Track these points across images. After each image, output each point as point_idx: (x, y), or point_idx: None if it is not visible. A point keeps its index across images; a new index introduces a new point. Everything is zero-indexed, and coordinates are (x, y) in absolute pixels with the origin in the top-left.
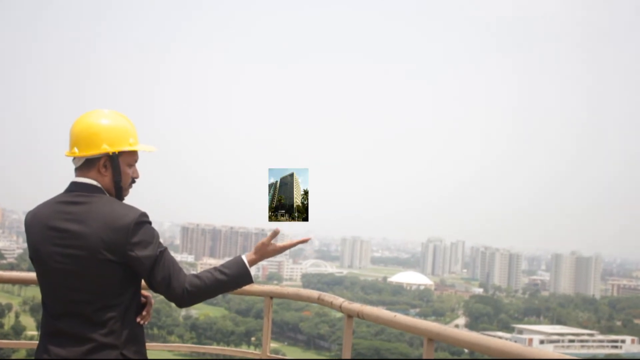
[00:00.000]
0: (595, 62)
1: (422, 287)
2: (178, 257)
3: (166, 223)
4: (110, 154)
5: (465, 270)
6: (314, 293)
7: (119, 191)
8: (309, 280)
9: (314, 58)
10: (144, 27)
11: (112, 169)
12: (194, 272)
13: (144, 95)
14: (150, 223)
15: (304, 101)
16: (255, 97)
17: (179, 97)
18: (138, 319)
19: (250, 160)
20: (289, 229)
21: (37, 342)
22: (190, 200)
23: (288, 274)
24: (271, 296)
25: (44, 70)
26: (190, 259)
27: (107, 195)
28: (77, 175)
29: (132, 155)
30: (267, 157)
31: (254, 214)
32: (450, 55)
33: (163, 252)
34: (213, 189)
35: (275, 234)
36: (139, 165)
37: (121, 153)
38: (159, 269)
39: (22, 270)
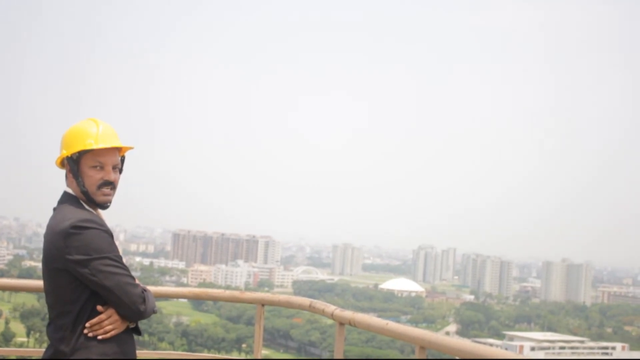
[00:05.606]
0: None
1: (413, 294)
2: (169, 263)
3: (157, 229)
4: (66, 157)
5: (456, 278)
6: (306, 300)
7: (87, 195)
8: (300, 287)
9: (311, 66)
10: (134, 34)
11: (72, 173)
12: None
13: (137, 103)
14: (95, 229)
15: (295, 109)
16: (246, 105)
17: (171, 106)
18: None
19: (241, 168)
20: (280, 236)
21: (31, 349)
22: (182, 206)
23: (279, 280)
24: (263, 303)
25: (36, 76)
26: (181, 265)
27: (75, 202)
28: None
29: (95, 157)
30: (259, 166)
31: (245, 221)
32: (460, 64)
33: (105, 259)
34: (204, 195)
35: None
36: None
37: (82, 156)
38: (102, 277)
39: (12, 276)
